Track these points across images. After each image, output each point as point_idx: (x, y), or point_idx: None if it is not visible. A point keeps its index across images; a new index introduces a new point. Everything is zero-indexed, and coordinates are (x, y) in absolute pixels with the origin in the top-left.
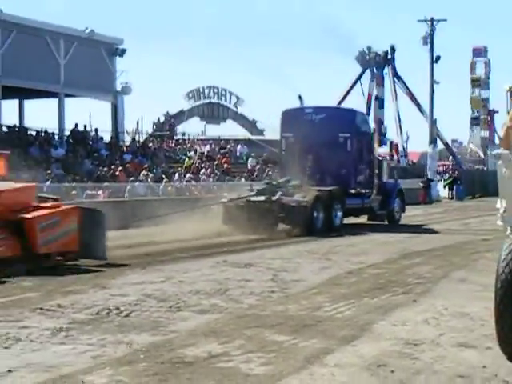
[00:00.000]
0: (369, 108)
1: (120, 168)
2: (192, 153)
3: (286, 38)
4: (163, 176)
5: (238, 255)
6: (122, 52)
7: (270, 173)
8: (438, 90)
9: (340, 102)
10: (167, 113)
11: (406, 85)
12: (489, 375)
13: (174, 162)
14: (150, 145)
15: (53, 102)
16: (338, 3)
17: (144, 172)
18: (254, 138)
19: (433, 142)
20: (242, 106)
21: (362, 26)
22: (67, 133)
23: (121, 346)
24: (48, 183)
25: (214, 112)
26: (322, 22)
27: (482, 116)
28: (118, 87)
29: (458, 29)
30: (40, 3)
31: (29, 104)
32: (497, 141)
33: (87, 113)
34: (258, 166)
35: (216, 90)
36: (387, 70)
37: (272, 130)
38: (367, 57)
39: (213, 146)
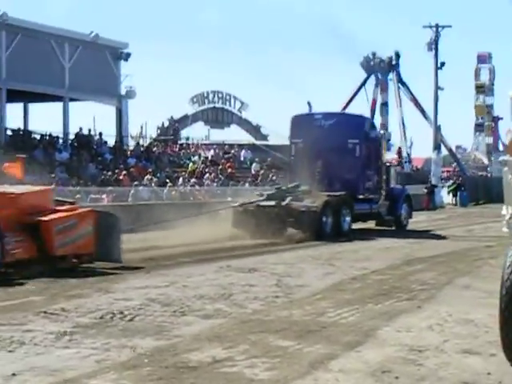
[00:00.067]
0: (373, 113)
1: (124, 172)
2: (196, 157)
3: (292, 43)
4: (167, 180)
5: (242, 260)
6: (127, 56)
7: (273, 178)
8: (442, 96)
9: (344, 108)
10: (171, 117)
11: (410, 91)
12: (493, 382)
13: (178, 166)
14: (154, 149)
15: (57, 106)
16: (343, 9)
17: (148, 176)
18: (258, 143)
19: (437, 148)
20: (247, 110)
21: (367, 32)
22: (71, 136)
23: (125, 350)
24: (52, 187)
25: (218, 117)
26: (327, 28)
27: (487, 122)
28: (123, 91)
29: (463, 35)
30: (45, 7)
31: (33, 108)
32: (501, 147)
33: (91, 117)
34: (262, 171)
35: (220, 95)
36: (392, 76)
37: (276, 135)
38: (372, 62)
39: (217, 150)
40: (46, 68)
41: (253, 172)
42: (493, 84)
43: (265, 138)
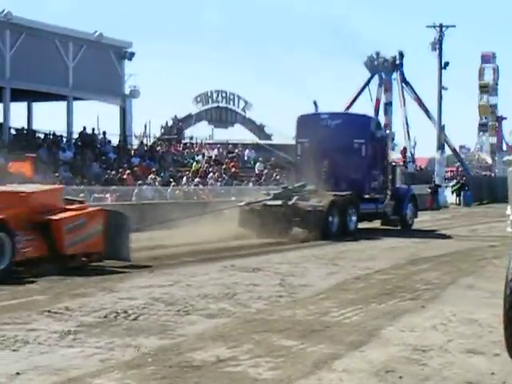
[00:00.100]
0: (377, 113)
1: (128, 171)
2: (200, 157)
3: (294, 43)
4: (171, 180)
5: (246, 259)
6: (131, 55)
7: (277, 177)
8: (446, 95)
9: (348, 107)
10: (175, 116)
11: (414, 90)
12: (497, 382)
13: (181, 165)
14: (158, 148)
15: (61, 105)
16: (346, 8)
17: (152, 175)
18: (261, 142)
19: (441, 147)
20: (250, 110)
21: (371, 32)
22: (75, 136)
23: (129, 349)
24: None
25: (222, 116)
26: (330, 27)
27: (491, 122)
28: (127, 90)
29: (467, 35)
30: (49, 6)
31: (37, 107)
32: (504, 147)
33: (95, 116)
34: (266, 171)
35: (224, 94)
36: (395, 76)
37: (280, 135)
38: (375, 62)
39: (221, 150)
40: (49, 67)
41: (256, 171)
42: (497, 84)
43: (268, 137)
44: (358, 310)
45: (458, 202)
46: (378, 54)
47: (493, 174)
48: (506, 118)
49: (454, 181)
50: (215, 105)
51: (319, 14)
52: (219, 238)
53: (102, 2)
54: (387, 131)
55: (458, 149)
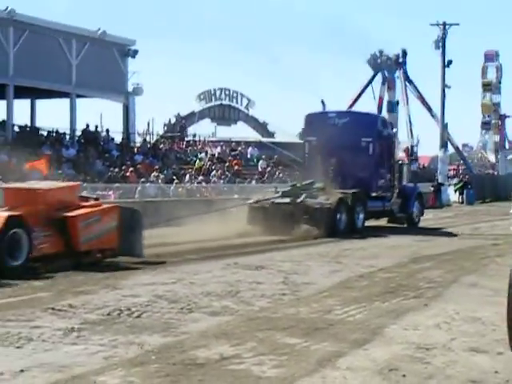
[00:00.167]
0: (380, 111)
1: (131, 169)
2: (203, 154)
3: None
4: (174, 177)
5: (249, 257)
6: (134, 53)
7: (280, 175)
8: (449, 94)
9: (351, 106)
10: (178, 114)
11: (417, 89)
12: (501, 381)
13: (184, 163)
14: (161, 146)
15: (64, 103)
16: (349, 6)
17: (155, 173)
18: (264, 140)
19: (444, 146)
20: (253, 108)
21: (374, 29)
22: (78, 133)
23: (132, 346)
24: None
25: (225, 114)
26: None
27: (494, 120)
28: (130, 88)
29: (470, 33)
30: (52, 3)
31: (40, 104)
32: (507, 145)
33: (98, 113)
34: (269, 169)
35: (227, 92)
36: (399, 74)
37: (283, 133)
38: (379, 60)
39: (224, 147)
40: (53, 64)
41: (259, 169)
42: (500, 82)
43: (271, 135)
44: (361, 308)
45: (460, 200)
46: (381, 52)
47: (495, 173)
48: (508, 116)
49: (456, 179)
50: (218, 102)
51: (322, 11)
52: (224, 236)
53: None
54: (394, 129)
55: (460, 147)
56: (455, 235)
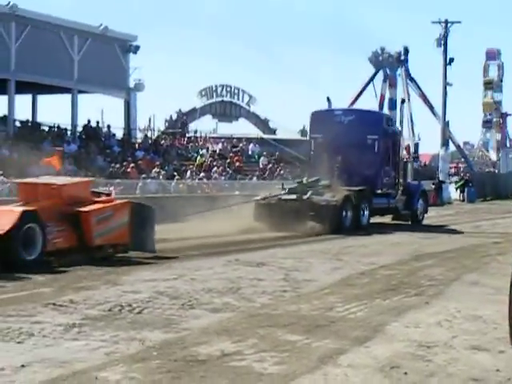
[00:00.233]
0: (381, 109)
1: (132, 165)
2: (204, 151)
3: (299, 38)
4: (175, 173)
5: (251, 254)
6: (136, 49)
7: (281, 172)
8: (450, 92)
9: (352, 103)
10: (179, 110)
11: (418, 86)
12: (502, 379)
13: (185, 159)
14: (162, 142)
15: (66, 98)
16: (351, 3)
17: (156, 169)
18: (266, 136)
19: (445, 144)
20: (255, 104)
21: (376, 27)
22: (80, 129)
23: (133, 342)
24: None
25: (226, 110)
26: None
27: (495, 119)
28: (131, 84)
29: (472, 31)
30: None
31: (42, 99)
32: (508, 144)
33: (100, 109)
34: (270, 165)
35: (229, 89)
36: (400, 72)
37: (284, 130)
38: (380, 58)
39: (225, 144)
40: (54, 60)
41: (261, 166)
42: (501, 80)
43: (273, 131)
44: (362, 306)
45: (461, 198)
46: (382, 49)
47: (496, 171)
48: (510, 115)
49: (457, 177)
50: (220, 99)
51: (324, 9)
52: (226, 233)
53: None
54: (399, 128)
55: (462, 145)
56: (458, 233)
